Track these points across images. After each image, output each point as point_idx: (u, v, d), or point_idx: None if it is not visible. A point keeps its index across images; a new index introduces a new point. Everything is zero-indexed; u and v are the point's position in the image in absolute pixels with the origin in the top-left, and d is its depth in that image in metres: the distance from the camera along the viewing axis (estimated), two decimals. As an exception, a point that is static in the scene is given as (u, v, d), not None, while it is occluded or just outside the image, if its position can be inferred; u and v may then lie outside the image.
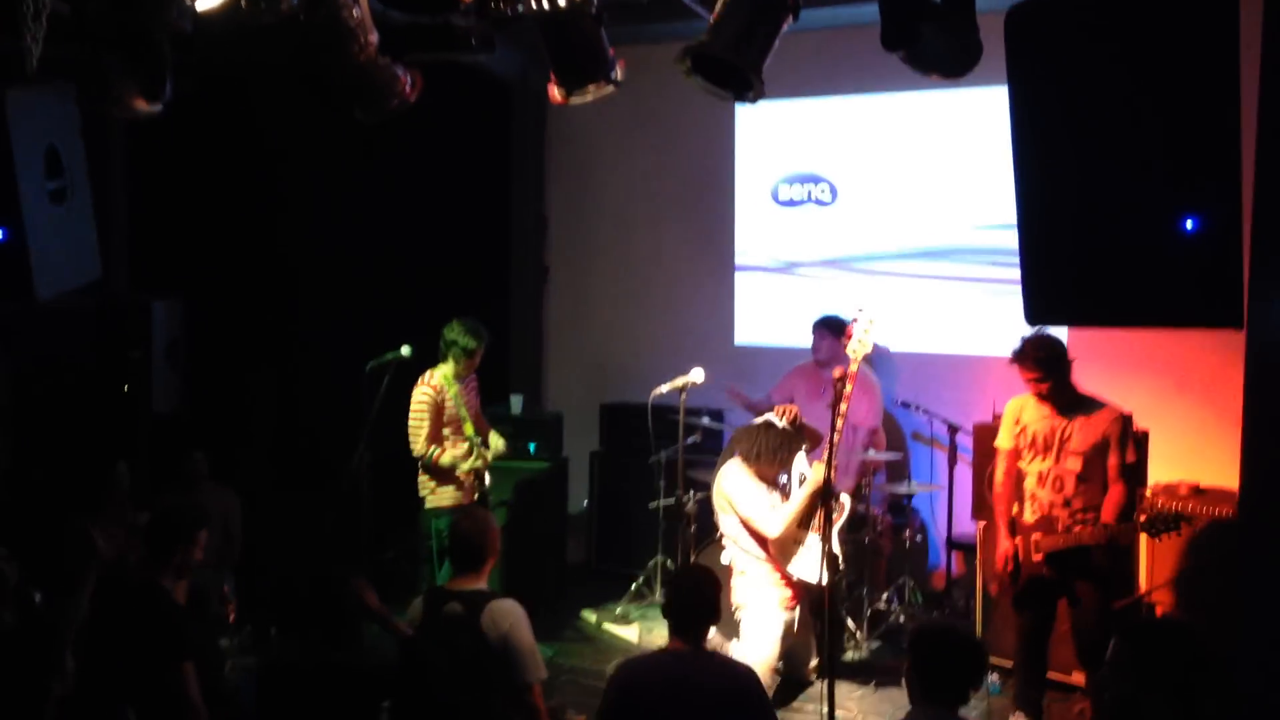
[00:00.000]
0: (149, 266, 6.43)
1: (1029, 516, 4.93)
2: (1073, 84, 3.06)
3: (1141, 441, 5.82)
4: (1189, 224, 3.10)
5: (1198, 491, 5.62)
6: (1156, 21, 2.94)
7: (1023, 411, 5.01)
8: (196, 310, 6.22)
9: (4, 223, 4.50)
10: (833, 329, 6.50)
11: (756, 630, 5.37)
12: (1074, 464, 4.83)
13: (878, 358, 6.80)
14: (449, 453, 5.75)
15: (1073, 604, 4.90)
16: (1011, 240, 5.78)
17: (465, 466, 5.76)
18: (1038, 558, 4.86)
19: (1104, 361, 6.33)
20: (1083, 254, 3.26)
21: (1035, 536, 4.87)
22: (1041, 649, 5.02)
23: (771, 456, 5.32)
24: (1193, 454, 6.06)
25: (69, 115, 4.62)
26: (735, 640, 5.47)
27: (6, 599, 3.63)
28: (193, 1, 4.25)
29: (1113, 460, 4.83)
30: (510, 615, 3.79)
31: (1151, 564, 5.63)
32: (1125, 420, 4.90)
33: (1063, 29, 3.02)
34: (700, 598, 3.77)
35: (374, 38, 4.22)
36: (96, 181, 4.88)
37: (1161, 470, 5.90)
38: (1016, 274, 3.34)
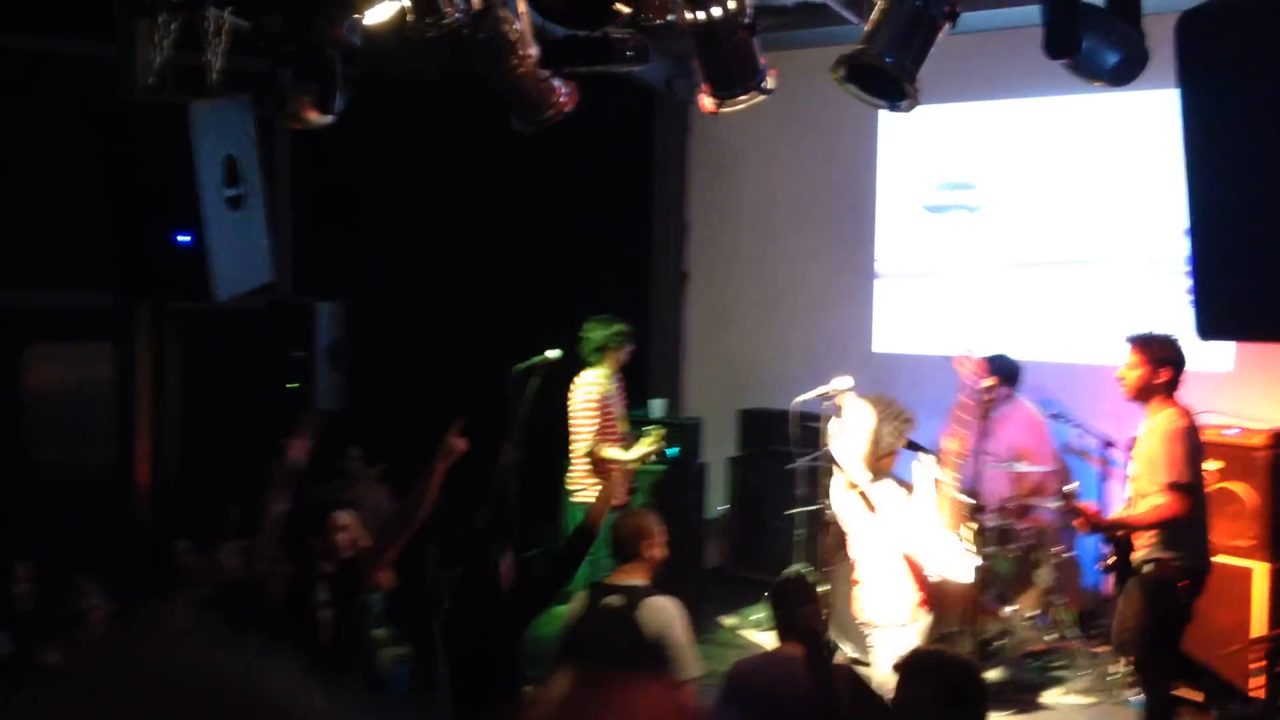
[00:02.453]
0: (313, 270, 6.73)
1: None
2: (1249, 89, 2.98)
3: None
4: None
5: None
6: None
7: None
8: (357, 313, 6.47)
9: (187, 228, 4.79)
10: (1000, 369, 6.28)
11: (882, 650, 5.25)
12: (1131, 469, 4.76)
13: (1028, 370, 6.62)
14: (613, 447, 5.88)
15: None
16: (1167, 248, 5.65)
17: (632, 458, 5.85)
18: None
19: (1272, 377, 6.10)
20: (1257, 266, 3.16)
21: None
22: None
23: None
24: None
25: (246, 126, 4.89)
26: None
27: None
28: (363, 17, 4.47)
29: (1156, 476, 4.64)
30: (667, 611, 3.86)
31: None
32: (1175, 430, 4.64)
33: (1238, 33, 2.94)
34: (786, 609, 3.79)
35: (534, 51, 4.37)
36: (268, 188, 5.15)
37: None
38: (1171, 283, 3.26)
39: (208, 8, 4.70)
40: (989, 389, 6.16)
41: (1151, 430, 4.65)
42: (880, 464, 5.13)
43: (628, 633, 3.81)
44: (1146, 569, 4.66)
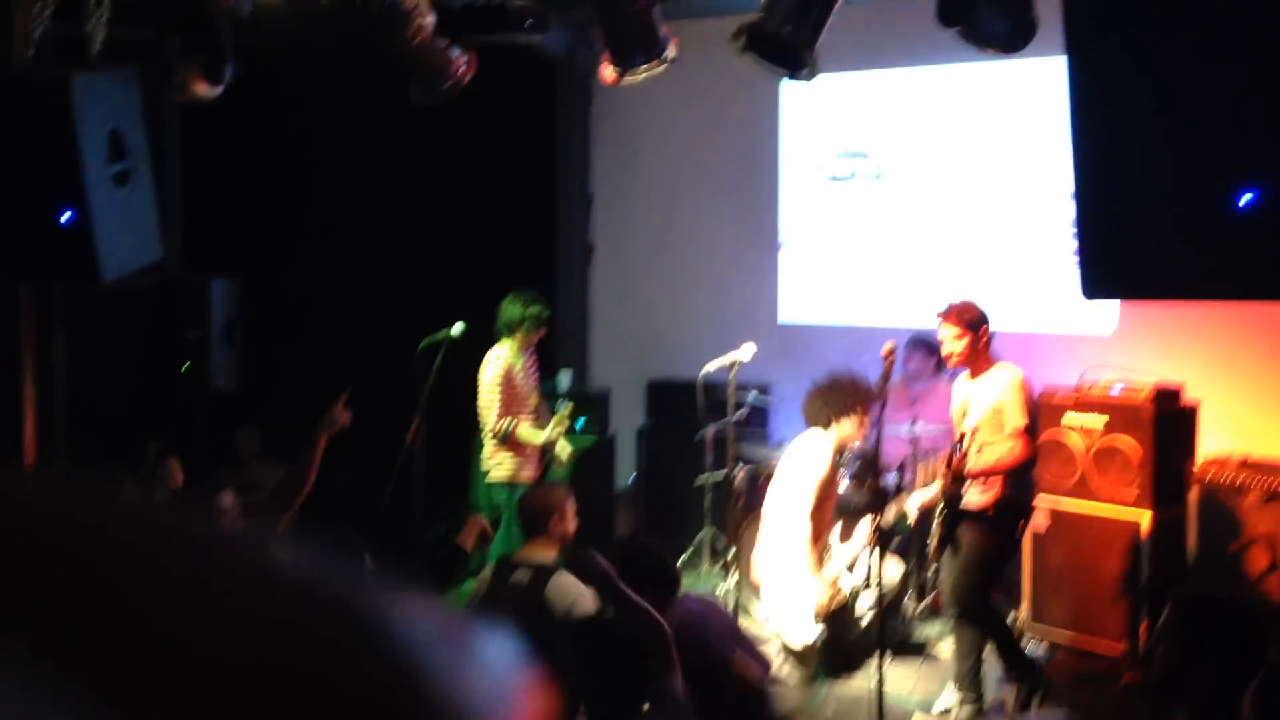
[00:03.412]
0: (205, 247, 6.55)
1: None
2: (1133, 57, 3.07)
3: (1191, 414, 5.83)
4: (1247, 196, 3.11)
5: (1248, 464, 5.61)
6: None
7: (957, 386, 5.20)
8: (252, 290, 6.33)
9: (70, 206, 4.61)
10: (927, 347, 6.52)
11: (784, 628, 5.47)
12: (968, 426, 4.94)
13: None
14: (524, 424, 5.85)
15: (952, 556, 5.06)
16: (1059, 215, 5.83)
17: (544, 436, 5.85)
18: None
19: (1156, 333, 6.33)
20: (1141, 227, 3.27)
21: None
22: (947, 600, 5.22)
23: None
24: (1243, 426, 6.05)
25: (131, 99, 4.71)
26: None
27: None
28: (252, -15, 4.34)
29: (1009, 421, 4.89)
30: (575, 588, 3.86)
31: (1201, 534, 5.65)
32: (1014, 382, 4.94)
33: (1124, 1, 3.03)
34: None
35: (430, 20, 4.29)
36: (156, 163, 4.98)
37: (1213, 442, 5.90)
38: (1066, 247, 3.35)
39: (87, -25, 4.51)
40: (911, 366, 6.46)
41: (991, 384, 4.93)
42: (826, 507, 5.35)
43: (534, 610, 3.81)
44: (988, 512, 4.91)
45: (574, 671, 3.46)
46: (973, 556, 4.94)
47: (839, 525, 5.61)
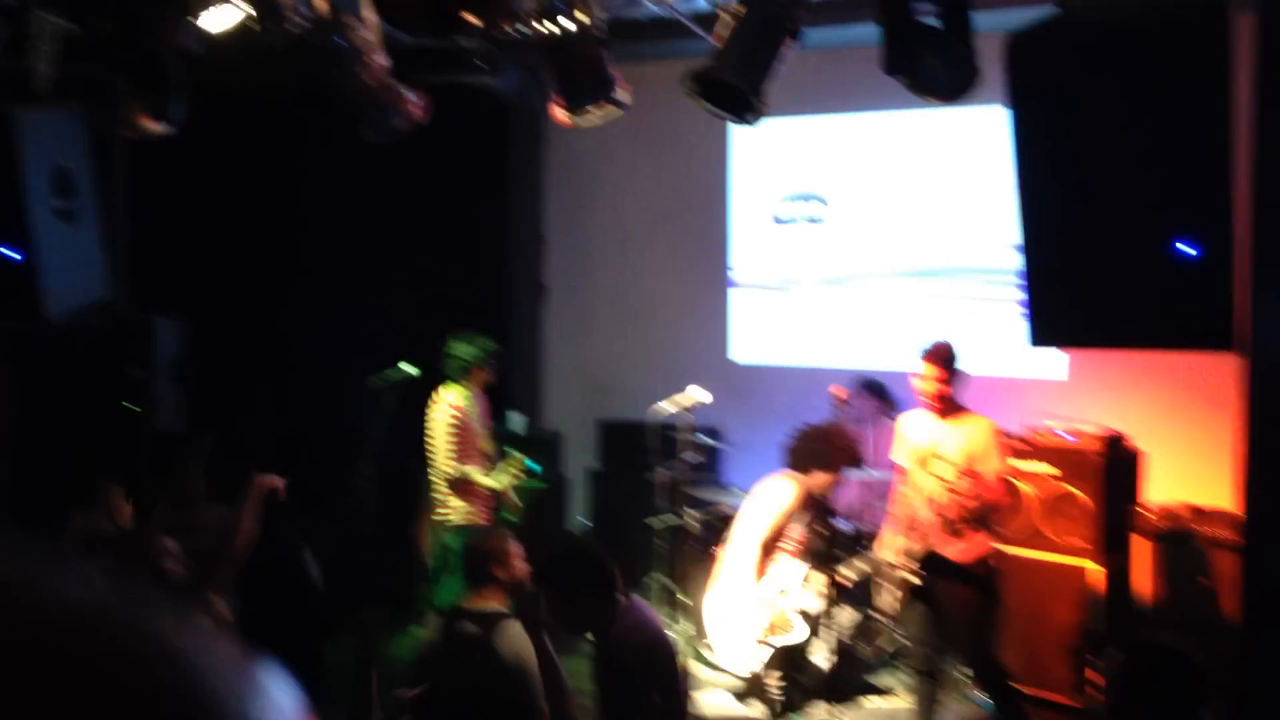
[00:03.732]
0: (152, 285, 6.46)
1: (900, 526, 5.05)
2: (1071, 110, 3.13)
3: (1135, 461, 5.90)
4: (1182, 248, 3.17)
5: (1196, 512, 5.67)
6: (1152, 51, 3.01)
7: (907, 425, 5.18)
8: (199, 329, 6.24)
9: (13, 242, 4.55)
10: (875, 391, 6.56)
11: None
12: (946, 473, 4.86)
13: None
14: (476, 469, 5.79)
15: (940, 615, 5.00)
16: (1007, 260, 5.89)
17: (498, 482, 5.80)
18: (908, 565, 4.97)
19: (1102, 384, 6.40)
20: (1083, 277, 3.32)
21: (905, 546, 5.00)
22: (928, 661, 5.12)
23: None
24: (1189, 475, 6.11)
25: (77, 135, 4.67)
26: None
27: None
28: (200, 22, 4.31)
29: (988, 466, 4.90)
30: (525, 638, 3.80)
31: (1153, 583, 5.69)
32: (993, 429, 4.98)
33: (1062, 56, 3.08)
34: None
35: (382, 59, 4.29)
36: (102, 201, 4.93)
37: (1160, 491, 5.96)
38: (1011, 293, 3.39)
39: (33, 10, 4.46)
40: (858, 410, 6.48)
41: (972, 431, 4.91)
42: (774, 546, 5.33)
43: (485, 661, 3.75)
44: (976, 567, 4.88)
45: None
46: (975, 617, 4.90)
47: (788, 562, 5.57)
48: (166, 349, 5.81)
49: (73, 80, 4.59)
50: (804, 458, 5.46)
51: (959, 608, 4.87)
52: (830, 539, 5.51)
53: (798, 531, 5.44)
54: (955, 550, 4.88)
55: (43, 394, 5.88)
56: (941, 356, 4.93)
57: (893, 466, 5.38)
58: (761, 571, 5.36)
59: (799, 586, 5.35)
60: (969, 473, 4.80)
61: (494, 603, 3.95)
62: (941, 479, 4.84)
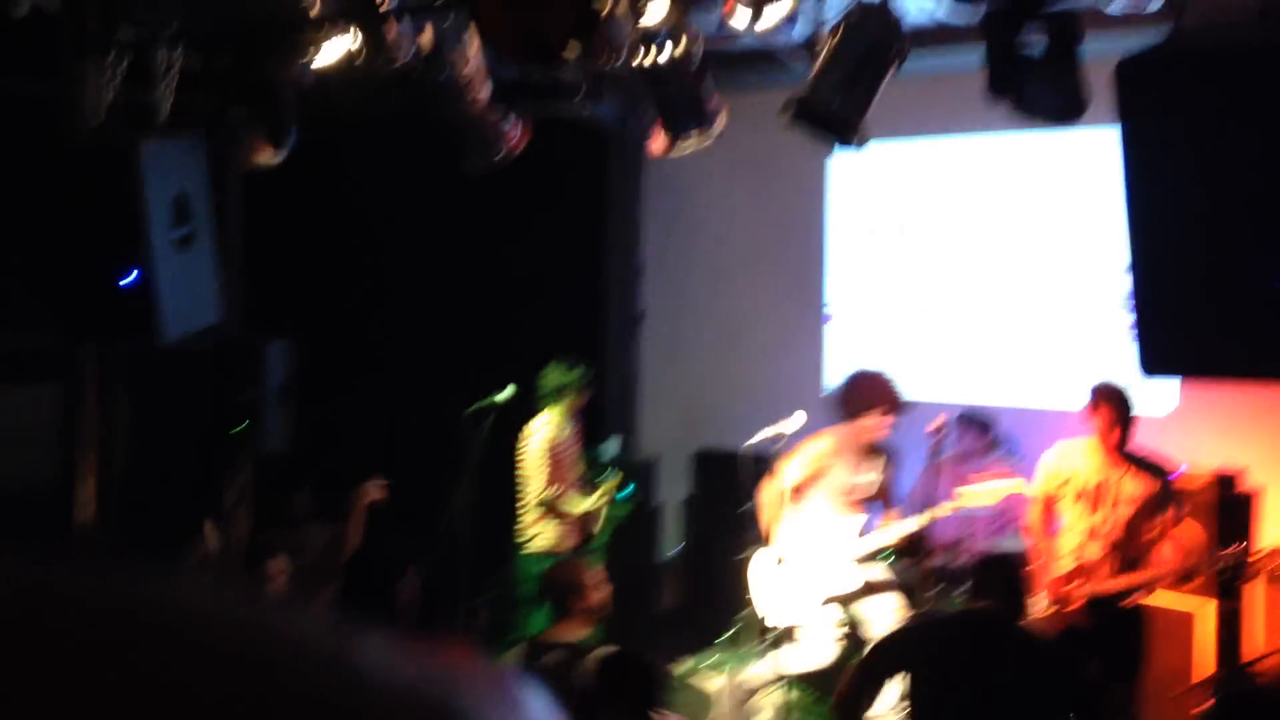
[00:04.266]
0: (263, 310, 6.66)
1: (1064, 564, 4.81)
2: (1187, 133, 3.05)
3: (1248, 501, 5.68)
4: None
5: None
6: (1264, 71, 2.93)
7: (1064, 457, 4.96)
8: (307, 354, 6.41)
9: (134, 267, 4.73)
10: (979, 425, 6.44)
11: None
12: (1124, 513, 4.71)
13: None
14: (571, 496, 5.84)
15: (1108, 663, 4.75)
16: (1113, 288, 5.74)
17: (588, 505, 5.85)
18: (1076, 605, 4.74)
19: (1215, 415, 6.18)
20: (1197, 305, 3.22)
21: (1076, 582, 4.77)
22: None
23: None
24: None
25: (197, 164, 4.85)
26: None
27: None
28: (314, 56, 4.47)
29: (1169, 515, 4.73)
30: None
31: (1265, 630, 5.47)
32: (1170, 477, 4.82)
33: (1174, 80, 3.01)
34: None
35: (486, 91, 4.39)
36: (217, 228, 5.10)
37: (1276, 530, 5.73)
38: (1118, 323, 3.31)
39: (158, 46, 4.67)
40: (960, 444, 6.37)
41: (1147, 472, 4.76)
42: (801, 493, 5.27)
43: (567, 692, 3.73)
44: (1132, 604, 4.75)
45: None
46: (1137, 668, 4.79)
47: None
48: (276, 372, 5.97)
49: (192, 111, 4.78)
50: (840, 406, 5.52)
51: (1128, 656, 4.73)
52: (927, 574, 5.42)
53: (847, 480, 5.38)
54: (1119, 589, 4.73)
55: (157, 417, 6.09)
56: (1112, 397, 4.78)
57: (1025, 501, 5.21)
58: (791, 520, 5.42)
59: (858, 538, 5.32)
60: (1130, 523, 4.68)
61: (576, 633, 3.95)
62: (1119, 518, 4.71)
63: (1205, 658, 5.33)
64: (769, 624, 5.58)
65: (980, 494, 5.10)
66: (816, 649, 5.40)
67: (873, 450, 5.53)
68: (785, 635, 5.62)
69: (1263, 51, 2.93)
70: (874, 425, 5.43)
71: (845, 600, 5.31)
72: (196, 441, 6.14)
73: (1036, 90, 3.44)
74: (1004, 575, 3.79)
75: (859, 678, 3.85)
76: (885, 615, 5.38)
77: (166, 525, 5.81)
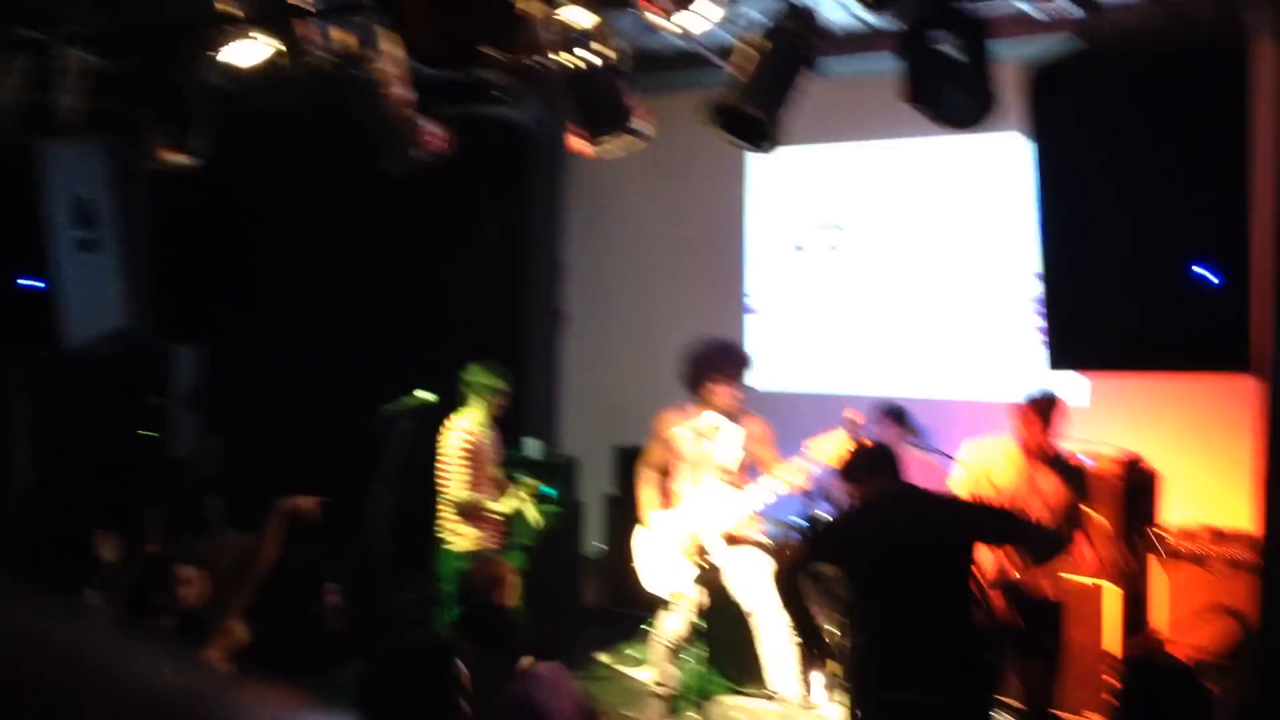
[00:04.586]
0: (173, 315, 6.50)
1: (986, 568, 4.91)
2: (1092, 137, 3.16)
3: (1151, 482, 5.90)
4: (1200, 273, 3.19)
5: (1215, 534, 5.67)
6: (1172, 79, 3.04)
7: (989, 464, 5.00)
8: (219, 357, 6.28)
9: (34, 272, 4.60)
10: (897, 417, 6.60)
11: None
12: (1044, 518, 4.75)
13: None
14: (492, 495, 5.81)
15: (1033, 655, 4.88)
16: (1025, 286, 5.90)
17: (508, 506, 5.82)
18: (1001, 603, 4.80)
19: (1119, 404, 6.39)
20: (1102, 302, 3.34)
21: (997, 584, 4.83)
22: None
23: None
24: (1207, 496, 6.10)
25: (99, 167, 4.73)
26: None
27: None
28: (226, 58, 4.37)
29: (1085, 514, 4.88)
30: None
31: (1167, 605, 5.68)
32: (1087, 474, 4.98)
33: (1084, 85, 3.11)
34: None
35: (404, 92, 4.34)
36: (124, 231, 4.98)
37: (1177, 513, 5.95)
38: (1030, 320, 3.40)
39: (60, 46, 4.53)
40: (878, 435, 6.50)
41: (1068, 476, 4.87)
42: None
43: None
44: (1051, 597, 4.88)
45: None
46: (1059, 655, 4.89)
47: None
48: (185, 377, 5.84)
49: (98, 114, 4.65)
50: (684, 379, 5.72)
51: (1050, 647, 4.84)
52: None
53: (696, 452, 5.53)
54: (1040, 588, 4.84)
55: (61, 423, 5.92)
56: (1037, 401, 4.84)
57: None
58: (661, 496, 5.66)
59: (723, 512, 5.45)
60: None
61: None
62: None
63: (1113, 631, 5.52)
64: (650, 593, 5.75)
65: (824, 448, 5.18)
66: (687, 614, 5.53)
67: (732, 420, 5.64)
68: (663, 604, 5.75)
69: (1171, 56, 3.04)
70: (719, 394, 5.55)
71: (710, 566, 5.42)
72: (102, 448, 5.98)
73: (949, 95, 3.52)
74: (880, 456, 4.12)
75: (794, 563, 4.56)
76: (754, 577, 5.54)
77: (69, 533, 5.66)
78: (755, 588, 5.58)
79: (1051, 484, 4.80)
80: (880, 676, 3.92)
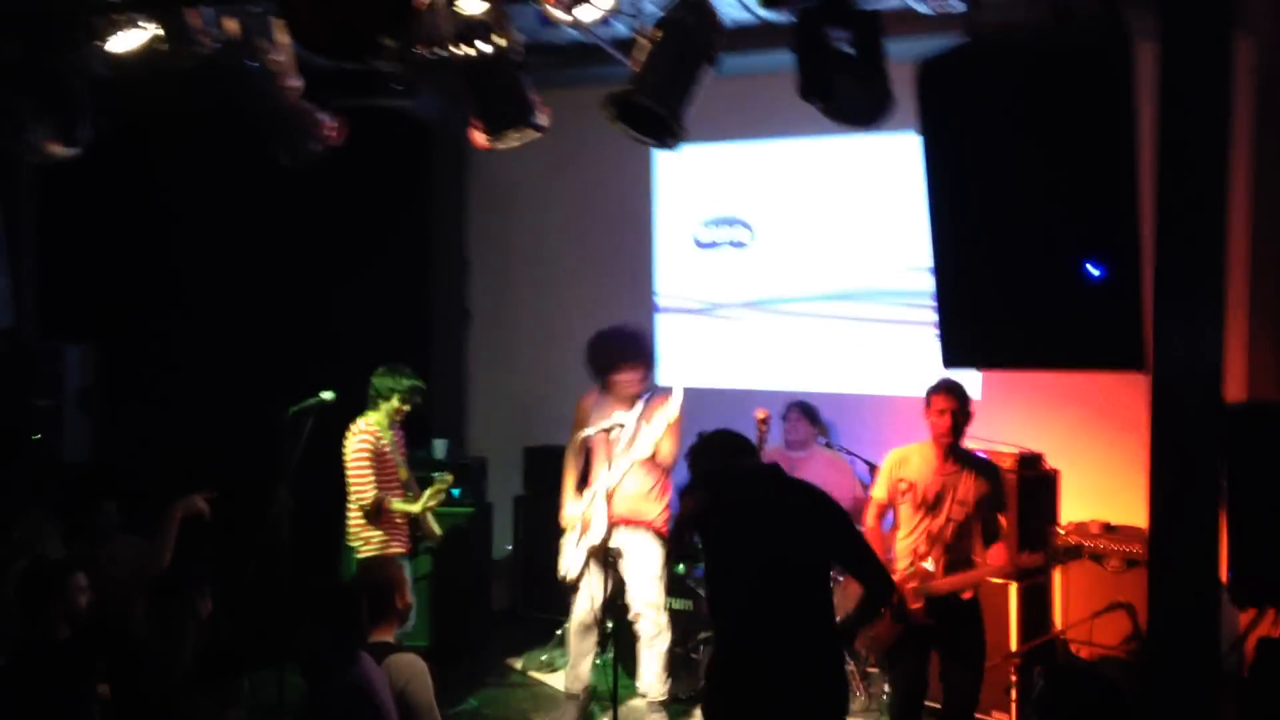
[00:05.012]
0: (60, 313, 6.27)
1: (901, 566, 4.87)
2: (980, 135, 3.17)
3: (1052, 480, 6.00)
4: (1092, 270, 3.22)
5: (1108, 529, 5.78)
6: (1057, 78, 3.06)
7: (904, 465, 4.98)
8: (109, 357, 6.08)
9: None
10: (809, 414, 6.66)
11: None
12: (958, 514, 4.80)
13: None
14: (396, 500, 5.72)
15: (952, 656, 4.85)
16: (924, 283, 5.95)
17: (419, 507, 5.74)
18: (917, 605, 4.77)
19: (1016, 401, 6.50)
20: (994, 300, 3.35)
21: (913, 585, 4.79)
22: (918, 707, 4.91)
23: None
24: (1103, 493, 6.22)
25: (-21, 158, 4.55)
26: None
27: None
28: (109, 45, 4.22)
29: (1001, 514, 4.88)
30: (409, 669, 3.74)
31: (1066, 603, 5.78)
32: (1000, 471, 4.99)
33: (970, 83, 3.12)
34: None
35: (296, 82, 4.24)
36: (9, 226, 4.79)
37: (1073, 509, 6.06)
38: (930, 316, 3.42)
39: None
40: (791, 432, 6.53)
41: (981, 472, 4.84)
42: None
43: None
44: (977, 602, 4.85)
45: None
46: (980, 656, 4.83)
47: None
48: (74, 377, 5.65)
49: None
50: (589, 366, 5.87)
51: (975, 649, 4.81)
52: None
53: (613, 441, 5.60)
54: (956, 587, 4.78)
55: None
56: (944, 395, 4.81)
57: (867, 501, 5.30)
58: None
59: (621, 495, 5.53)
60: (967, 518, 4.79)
61: (386, 635, 3.88)
62: (953, 520, 4.78)
63: (1014, 629, 5.60)
64: (561, 594, 5.84)
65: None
66: (590, 594, 5.63)
67: (630, 403, 5.73)
68: (570, 587, 5.82)
69: (1055, 54, 3.06)
70: (623, 380, 5.69)
71: (603, 544, 5.52)
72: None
73: (845, 92, 3.53)
74: (728, 440, 4.11)
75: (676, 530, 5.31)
76: (640, 567, 5.62)
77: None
78: (639, 579, 5.64)
79: (968, 486, 4.82)
80: (723, 671, 3.88)
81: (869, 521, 5.06)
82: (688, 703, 5.87)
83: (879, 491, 5.05)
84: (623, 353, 5.72)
